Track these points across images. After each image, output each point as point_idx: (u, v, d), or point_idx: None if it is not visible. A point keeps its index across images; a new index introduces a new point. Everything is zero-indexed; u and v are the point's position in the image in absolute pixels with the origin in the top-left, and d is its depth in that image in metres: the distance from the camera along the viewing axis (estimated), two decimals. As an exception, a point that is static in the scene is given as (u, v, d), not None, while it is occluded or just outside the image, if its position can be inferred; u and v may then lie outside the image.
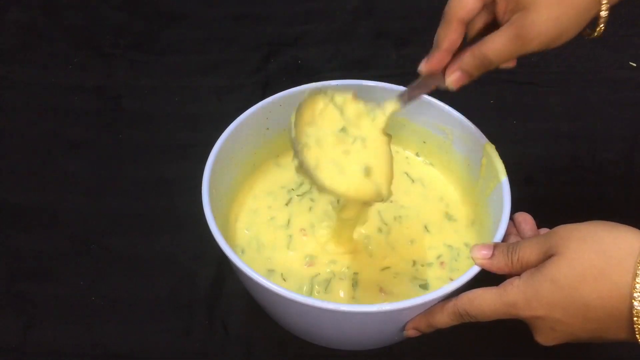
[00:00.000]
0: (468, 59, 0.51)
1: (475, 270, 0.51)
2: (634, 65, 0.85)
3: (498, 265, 0.50)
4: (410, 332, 0.52)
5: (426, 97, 0.63)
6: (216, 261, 0.65)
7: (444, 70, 0.53)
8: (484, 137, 0.60)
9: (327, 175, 0.51)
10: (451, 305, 0.49)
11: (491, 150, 0.59)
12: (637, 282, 0.42)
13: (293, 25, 0.90)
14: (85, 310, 0.62)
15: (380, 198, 0.53)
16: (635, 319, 0.43)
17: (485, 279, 0.51)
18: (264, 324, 0.59)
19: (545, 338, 0.47)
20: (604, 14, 0.50)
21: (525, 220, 0.55)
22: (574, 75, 0.84)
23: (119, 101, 0.81)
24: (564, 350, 0.49)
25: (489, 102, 0.81)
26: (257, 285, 0.50)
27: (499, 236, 0.53)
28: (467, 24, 0.51)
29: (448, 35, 0.51)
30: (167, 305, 0.63)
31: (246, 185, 0.65)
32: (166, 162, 0.74)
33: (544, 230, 0.54)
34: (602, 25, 0.50)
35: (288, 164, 0.66)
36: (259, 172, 0.66)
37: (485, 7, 0.50)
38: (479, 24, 0.52)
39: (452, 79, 0.52)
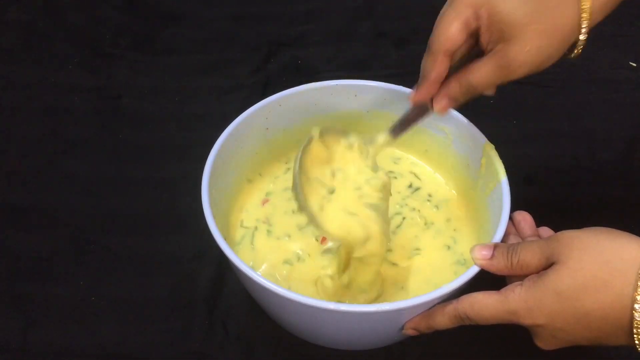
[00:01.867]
0: (455, 87, 0.52)
1: (474, 270, 0.50)
2: (634, 65, 0.85)
3: (498, 266, 0.50)
4: (409, 332, 0.52)
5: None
6: (216, 261, 0.65)
7: (431, 98, 0.54)
8: (484, 137, 0.60)
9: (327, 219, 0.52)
10: (452, 308, 0.49)
11: (491, 150, 0.59)
12: (638, 294, 0.43)
13: (293, 25, 0.90)
14: (85, 310, 0.62)
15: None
16: (635, 329, 0.43)
17: (484, 277, 0.51)
18: (264, 324, 0.59)
19: (545, 344, 0.48)
20: (583, 37, 0.50)
21: (525, 219, 0.55)
22: (574, 75, 0.84)
23: (119, 101, 0.81)
24: (563, 352, 0.49)
25: (489, 102, 0.80)
26: (257, 285, 0.50)
27: (498, 236, 0.53)
28: (453, 54, 0.51)
29: (435, 68, 0.52)
30: (167, 305, 0.63)
31: (246, 185, 0.65)
32: (166, 162, 0.74)
33: (543, 229, 0.54)
34: (581, 47, 0.51)
35: (288, 164, 0.67)
36: (259, 172, 0.66)
37: (469, 36, 0.51)
38: (463, 51, 0.52)
39: (441, 106, 0.54)
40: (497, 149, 0.59)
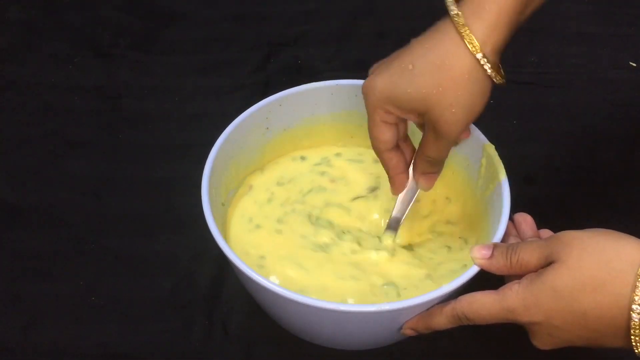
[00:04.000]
0: (422, 164, 0.55)
1: (474, 270, 0.50)
2: (634, 65, 0.85)
3: (497, 265, 0.50)
4: (408, 332, 0.52)
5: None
6: (216, 261, 0.65)
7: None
8: (484, 137, 0.60)
9: None
10: (450, 308, 0.49)
11: (491, 150, 0.59)
12: (637, 295, 0.43)
13: (293, 25, 0.90)
14: (85, 310, 0.62)
15: None
16: (632, 330, 0.43)
17: (483, 277, 0.51)
18: (264, 324, 0.59)
19: (542, 343, 0.48)
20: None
21: (525, 220, 0.55)
22: (574, 75, 0.84)
23: (119, 101, 0.81)
24: (564, 351, 0.49)
25: (489, 102, 0.80)
26: (257, 285, 0.50)
27: (498, 236, 0.53)
28: (395, 145, 0.55)
29: (390, 165, 0.56)
30: (167, 305, 0.63)
31: (246, 185, 0.65)
32: (166, 162, 0.74)
33: (543, 231, 0.54)
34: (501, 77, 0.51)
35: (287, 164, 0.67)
36: (259, 172, 0.66)
37: (397, 125, 0.54)
38: (403, 131, 0.56)
39: (426, 186, 0.57)
40: (497, 149, 0.59)
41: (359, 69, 0.83)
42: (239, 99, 0.80)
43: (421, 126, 0.55)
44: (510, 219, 0.54)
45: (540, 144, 0.76)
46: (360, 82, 0.64)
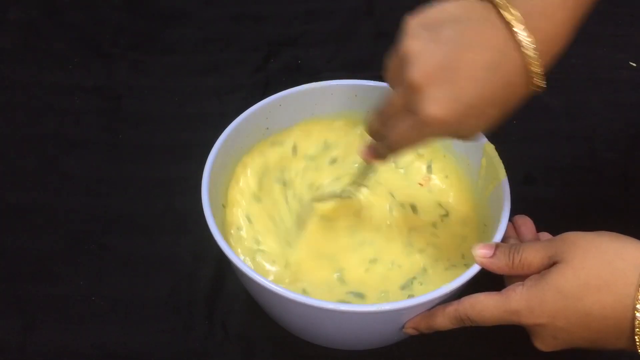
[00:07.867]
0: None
1: (475, 269, 0.51)
2: (634, 65, 0.85)
3: (499, 264, 0.50)
4: (409, 331, 0.52)
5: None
6: (216, 261, 0.65)
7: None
8: (484, 137, 0.60)
9: None
10: (452, 309, 0.49)
11: (491, 150, 0.59)
12: None
13: (293, 25, 0.90)
14: (85, 310, 0.62)
15: None
16: (637, 330, 0.43)
17: (485, 278, 0.51)
18: (264, 324, 0.59)
19: (545, 344, 0.48)
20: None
21: (525, 223, 0.55)
22: (574, 75, 0.84)
23: (119, 101, 0.81)
24: (563, 353, 0.49)
25: (489, 102, 0.80)
26: (257, 285, 0.50)
27: (498, 236, 0.53)
28: None
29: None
30: (167, 305, 0.63)
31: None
32: (166, 162, 0.74)
33: (543, 234, 0.54)
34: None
35: (288, 164, 0.67)
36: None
37: None
38: None
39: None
40: (497, 149, 0.59)
41: (359, 69, 0.84)
42: (239, 99, 0.80)
43: None
44: (510, 220, 0.54)
45: (540, 144, 0.76)
46: (361, 82, 0.64)
